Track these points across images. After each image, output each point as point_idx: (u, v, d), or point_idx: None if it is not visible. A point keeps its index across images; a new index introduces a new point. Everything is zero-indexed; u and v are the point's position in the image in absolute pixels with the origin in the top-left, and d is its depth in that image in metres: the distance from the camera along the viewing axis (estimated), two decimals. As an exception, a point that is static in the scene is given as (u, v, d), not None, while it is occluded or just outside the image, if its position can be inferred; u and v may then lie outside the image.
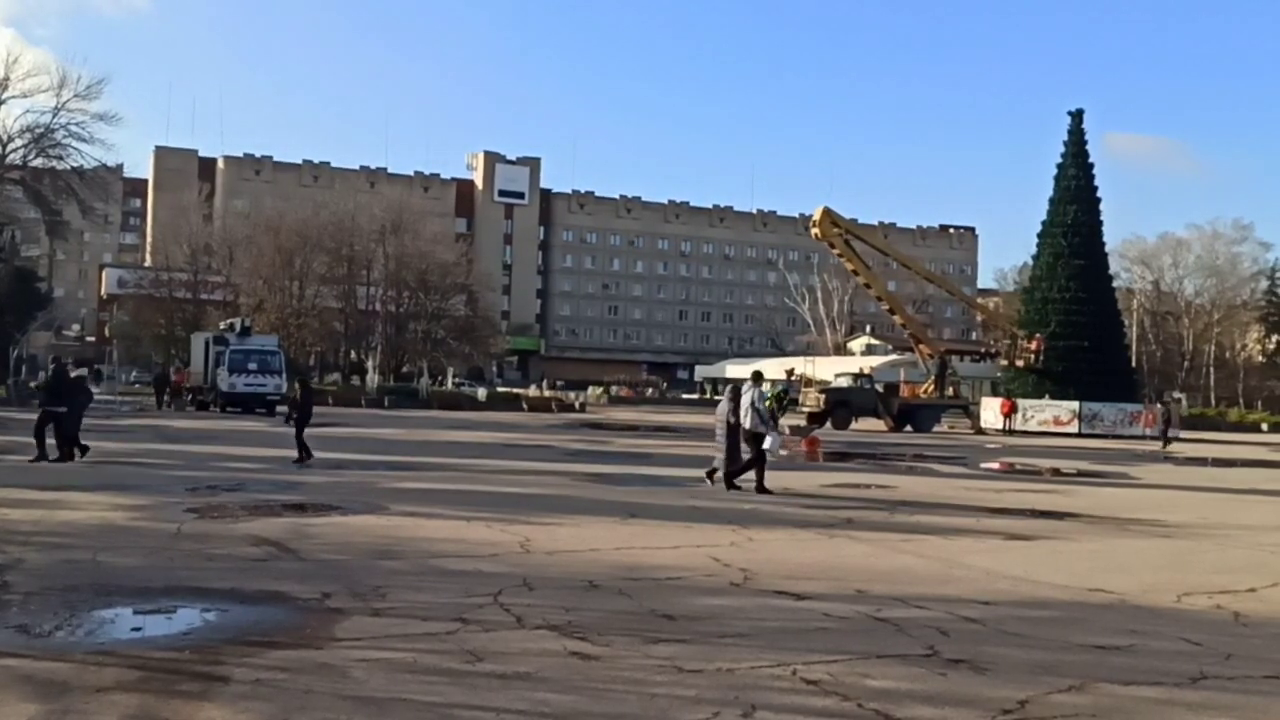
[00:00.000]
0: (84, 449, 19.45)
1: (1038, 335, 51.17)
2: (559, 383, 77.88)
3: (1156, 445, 36.65)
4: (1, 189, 51.24)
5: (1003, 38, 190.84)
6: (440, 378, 64.23)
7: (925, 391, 46.39)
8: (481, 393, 59.79)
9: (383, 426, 34.24)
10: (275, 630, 7.11)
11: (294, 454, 19.79)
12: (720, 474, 16.99)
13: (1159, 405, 41.32)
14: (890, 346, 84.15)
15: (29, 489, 14.42)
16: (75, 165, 50.16)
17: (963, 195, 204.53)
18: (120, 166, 67.55)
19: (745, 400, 16.83)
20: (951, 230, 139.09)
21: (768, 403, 17.29)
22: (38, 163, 49.70)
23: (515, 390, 67.42)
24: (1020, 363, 51.74)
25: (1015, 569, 10.32)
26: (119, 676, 5.89)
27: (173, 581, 8.64)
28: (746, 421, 16.68)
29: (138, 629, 7.22)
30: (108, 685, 5.72)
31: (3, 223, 54.65)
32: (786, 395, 29.99)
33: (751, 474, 16.65)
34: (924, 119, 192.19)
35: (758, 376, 17.35)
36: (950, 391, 46.68)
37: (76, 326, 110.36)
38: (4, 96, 48.17)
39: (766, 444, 16.68)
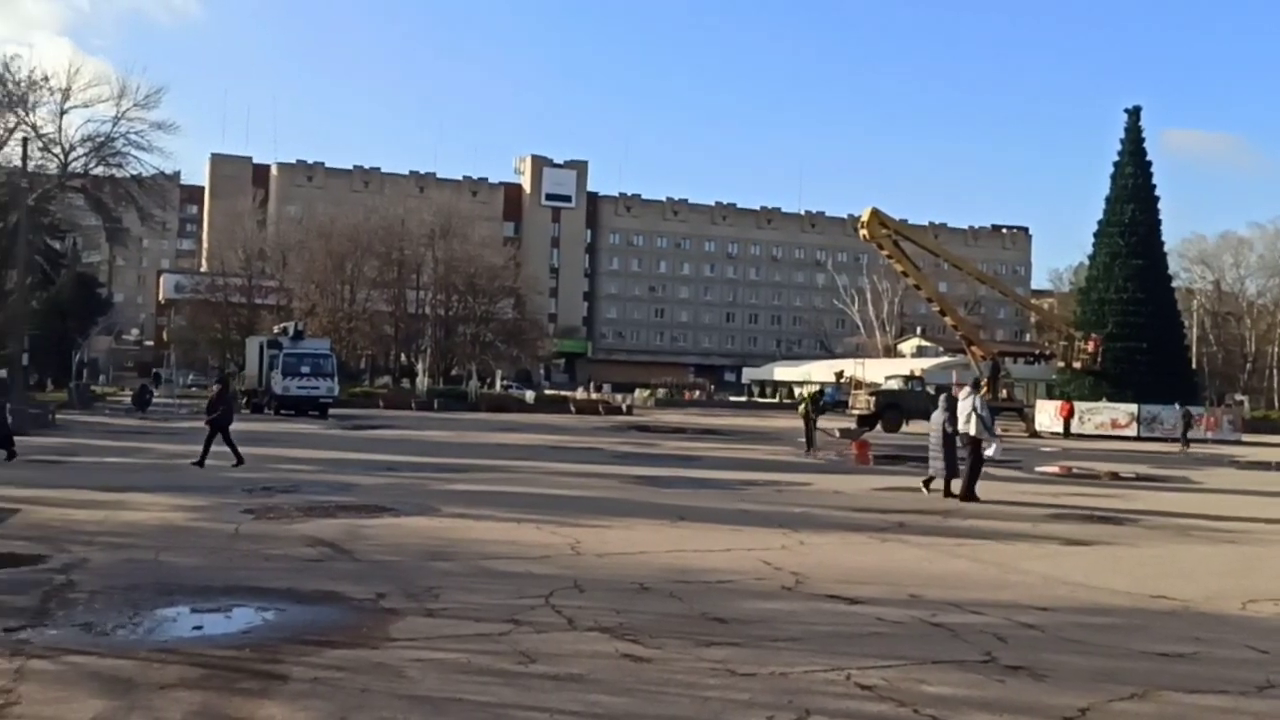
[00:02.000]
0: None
1: (1094, 336, 50.40)
2: (606, 385, 78.02)
3: (1216, 449, 36.13)
4: (64, 197, 52.28)
5: (1058, 35, 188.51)
6: (488, 380, 64.64)
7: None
8: (529, 395, 60.07)
9: (432, 429, 34.52)
10: (332, 630, 7.20)
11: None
12: (935, 483, 16.76)
13: (1182, 409, 40.66)
14: (941, 348, 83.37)
15: (93, 490, 14.73)
16: (135, 173, 50.96)
17: (1016, 195, 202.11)
18: (178, 174, 68.51)
19: (965, 407, 16.65)
20: (1004, 230, 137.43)
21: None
22: (98, 171, 50.58)
23: (562, 393, 67.67)
24: (1077, 365, 50.98)
25: (1074, 574, 10.17)
26: (182, 674, 6.00)
27: (232, 581, 8.78)
28: (971, 428, 16.47)
29: (199, 627, 7.34)
30: (171, 682, 5.83)
31: (65, 230, 55.82)
32: (822, 397, 29.81)
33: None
34: (976, 118, 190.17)
35: (976, 384, 17.45)
36: (1004, 394, 46.09)
37: (136, 331, 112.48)
38: (67, 107, 49.04)
39: (989, 451, 16.59)
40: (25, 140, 40.49)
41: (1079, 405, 47.33)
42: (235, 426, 30.79)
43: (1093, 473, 23.75)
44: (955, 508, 15.66)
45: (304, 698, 5.63)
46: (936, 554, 11.33)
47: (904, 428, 42.51)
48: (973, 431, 16.58)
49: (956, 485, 16.73)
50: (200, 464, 18.53)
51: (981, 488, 17.13)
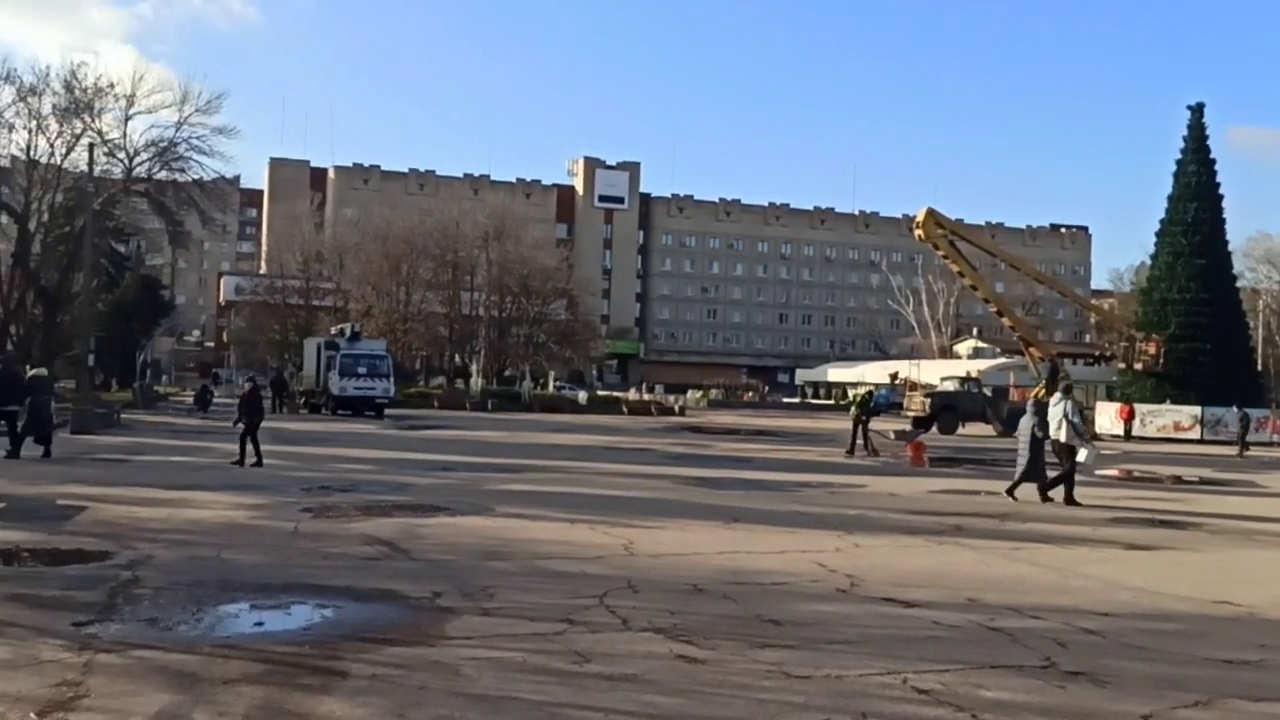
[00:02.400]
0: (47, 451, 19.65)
1: (1156, 337, 49.44)
2: (658, 386, 78.03)
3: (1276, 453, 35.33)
4: (129, 201, 53.43)
5: (1118, 31, 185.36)
6: (541, 381, 64.95)
7: (1036, 396, 45.22)
8: (582, 396, 60.23)
9: (486, 429, 34.77)
10: (389, 627, 7.29)
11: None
12: (1042, 490, 16.60)
13: (1239, 411, 39.70)
14: (998, 349, 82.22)
15: (157, 488, 15.04)
16: (196, 177, 52.00)
17: (1075, 194, 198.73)
18: (238, 178, 69.98)
19: (1057, 412, 16.50)
20: (1063, 230, 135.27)
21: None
22: (161, 175, 51.66)
23: (615, 394, 67.77)
24: (1138, 366, 50.03)
25: (1135, 579, 9.99)
26: (244, 669, 6.11)
27: (291, 579, 8.93)
28: (1062, 435, 16.32)
29: (260, 624, 7.48)
30: (234, 677, 5.94)
31: (130, 233, 57.10)
32: (872, 399, 29.50)
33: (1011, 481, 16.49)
34: (1035, 116, 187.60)
35: (1068, 389, 17.31)
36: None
37: (197, 332, 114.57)
38: (131, 113, 50.20)
39: (1081, 456, 16.47)
40: (91, 146, 41.36)
41: (1140, 408, 46.46)
42: (292, 426, 31.24)
43: (1154, 476, 23.33)
44: (1014, 510, 15.47)
45: (363, 694, 5.71)
46: (994, 557, 11.20)
47: (960, 430, 42.07)
48: (1064, 438, 16.35)
49: (1029, 490, 16.49)
50: (240, 463, 18.79)
51: (1036, 491, 16.93)
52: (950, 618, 8.01)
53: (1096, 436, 43.46)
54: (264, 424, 20.25)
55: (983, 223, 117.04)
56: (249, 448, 19.18)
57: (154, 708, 5.38)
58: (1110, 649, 7.22)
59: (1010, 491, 16.72)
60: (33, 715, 5.21)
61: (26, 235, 49.11)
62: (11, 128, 48.93)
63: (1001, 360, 71.91)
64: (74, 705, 5.39)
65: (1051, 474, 16.76)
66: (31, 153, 49.38)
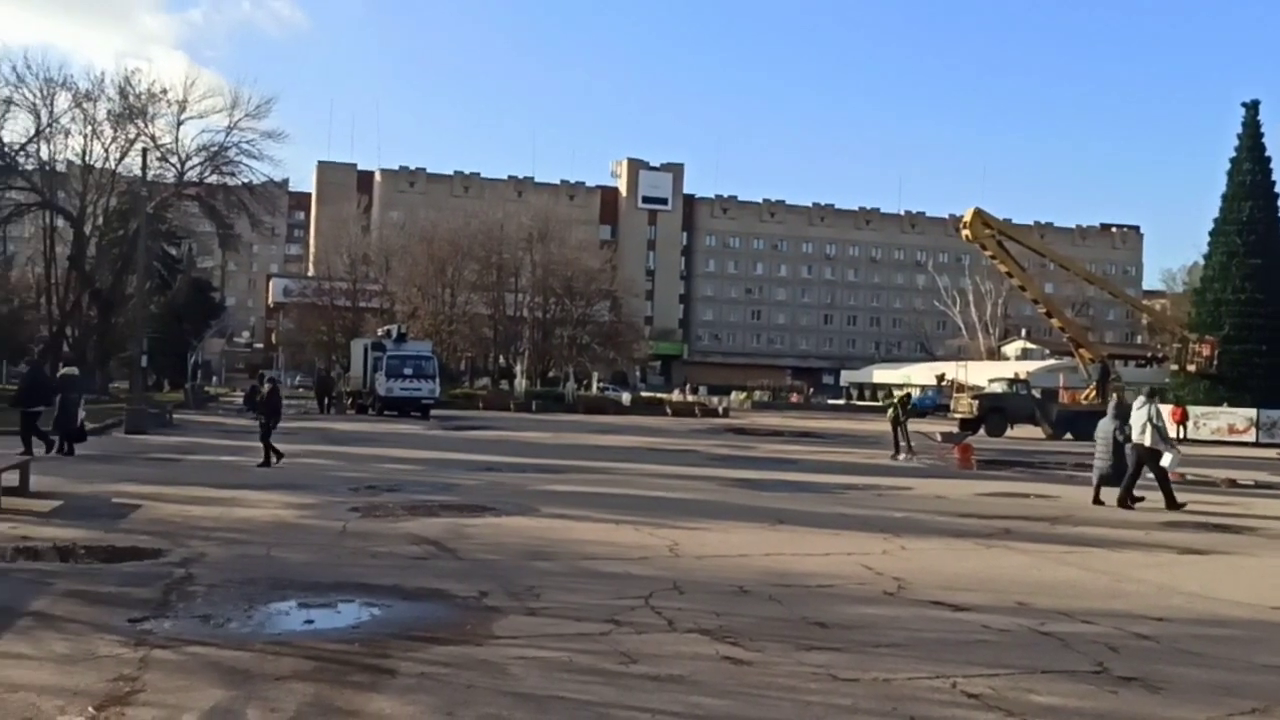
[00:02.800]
0: (66, 448, 19.81)
1: (1210, 338, 48.58)
2: (701, 388, 77.92)
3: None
4: (180, 205, 54.36)
5: (1171, 27, 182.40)
6: (585, 382, 65.13)
7: (1086, 398, 44.58)
8: (625, 397, 60.32)
9: (531, 430, 34.91)
10: (437, 626, 7.34)
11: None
12: (1124, 495, 16.34)
13: None
14: (1047, 351, 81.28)
15: (209, 487, 15.27)
16: (246, 181, 52.84)
17: (1126, 192, 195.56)
18: (286, 181, 70.84)
19: (1141, 415, 16.29)
20: (1114, 229, 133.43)
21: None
22: (212, 179, 52.56)
23: (659, 395, 67.80)
24: (1191, 368, 49.19)
25: (1190, 584, 9.83)
26: (295, 666, 6.19)
27: (340, 577, 9.02)
28: (1146, 438, 16.12)
29: (310, 621, 7.56)
30: (285, 674, 6.02)
31: (181, 236, 58.08)
32: (910, 401, 29.19)
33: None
34: (1084, 113, 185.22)
35: (1152, 393, 17.10)
36: (1114, 399, 44.73)
37: (246, 334, 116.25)
38: (183, 118, 51.14)
39: (1166, 461, 16.30)
40: (145, 151, 42.17)
41: (1193, 410, 45.65)
42: (340, 426, 31.55)
43: (1208, 479, 22.90)
44: (1064, 514, 15.27)
45: (411, 692, 5.76)
46: (1044, 561, 11.06)
47: (1008, 432, 41.60)
48: (1148, 442, 16.10)
49: (1111, 495, 16.27)
50: (266, 464, 18.93)
51: (1087, 494, 16.71)
52: (1000, 621, 7.93)
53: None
54: (311, 424, 20.48)
55: (1031, 222, 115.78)
56: (271, 446, 19.41)
57: (208, 703, 5.47)
58: (1164, 654, 7.11)
59: (1096, 498, 16.49)
60: (91, 709, 5.31)
61: (82, 239, 50.13)
62: (68, 133, 50.08)
63: (1051, 362, 71.08)
64: (130, 700, 5.49)
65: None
66: (87, 158, 50.49)
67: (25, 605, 7.61)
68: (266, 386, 21.72)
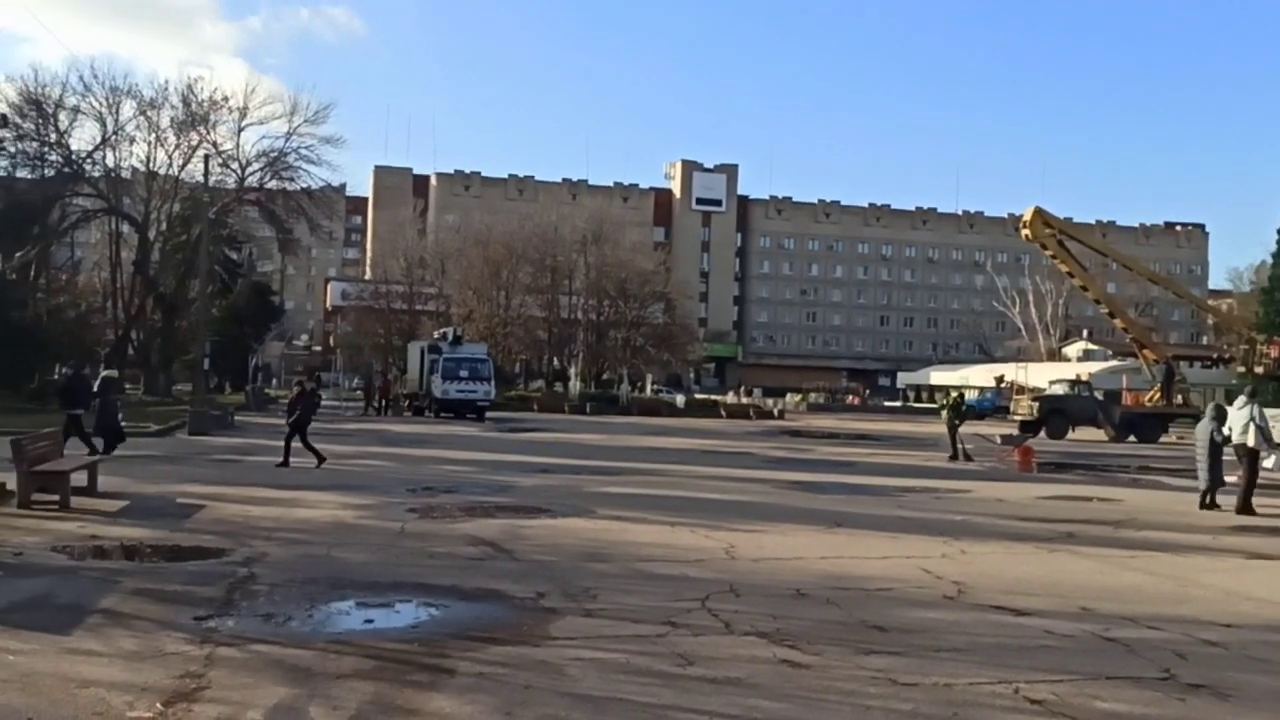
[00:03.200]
0: (105, 447, 19.87)
1: (1278, 339, 47.41)
2: (756, 389, 77.58)
3: None
4: (241, 210, 55.40)
5: (1234, 20, 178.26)
6: (639, 384, 65.14)
7: (1150, 399, 43.75)
8: (680, 399, 60.23)
9: (585, 432, 35.01)
10: (495, 627, 7.39)
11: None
12: (1213, 497, 16.15)
13: None
14: (1110, 352, 79.76)
15: (269, 487, 15.52)
16: (305, 186, 53.77)
17: (1191, 190, 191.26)
18: (344, 186, 72.04)
19: (1242, 416, 16.07)
20: (1178, 228, 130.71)
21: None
22: (272, 184, 53.53)
23: (713, 397, 67.61)
24: (1259, 369, 47.99)
25: (1259, 590, 9.61)
26: (356, 665, 6.27)
27: (399, 577, 9.12)
28: (1249, 438, 15.86)
29: (370, 621, 7.65)
30: (346, 673, 6.10)
31: (242, 241, 59.15)
32: (964, 403, 28.75)
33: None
34: (1146, 110, 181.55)
35: (1253, 393, 16.86)
36: (1179, 399, 43.79)
37: (305, 337, 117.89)
38: (244, 125, 52.15)
39: (1269, 463, 16.03)
40: (207, 157, 43.00)
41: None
42: (396, 428, 31.89)
43: (1277, 483, 22.35)
44: (1127, 518, 15.00)
45: (470, 692, 5.80)
46: (1108, 566, 10.87)
47: (1070, 434, 40.94)
48: (1250, 442, 15.79)
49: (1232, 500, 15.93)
50: (284, 464, 18.98)
51: (1156, 497, 16.40)
52: (1063, 627, 7.80)
53: None
54: (368, 426, 20.71)
55: (1093, 221, 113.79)
56: (290, 448, 19.46)
57: (271, 700, 5.55)
58: (1233, 661, 6.96)
59: (1206, 503, 16.12)
60: (159, 705, 5.42)
61: (146, 244, 51.26)
62: (133, 140, 51.29)
63: (1113, 363, 69.77)
64: (197, 696, 5.59)
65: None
66: (151, 164, 51.66)
67: (95, 603, 7.79)
68: (296, 388, 21.98)
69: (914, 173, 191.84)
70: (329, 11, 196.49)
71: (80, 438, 19.75)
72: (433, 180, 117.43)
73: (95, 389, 21.69)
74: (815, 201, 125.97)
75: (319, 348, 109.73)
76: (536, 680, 6.03)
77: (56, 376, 22.90)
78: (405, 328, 71.54)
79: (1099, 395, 44.16)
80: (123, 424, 21.35)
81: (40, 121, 47.34)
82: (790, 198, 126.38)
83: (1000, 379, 72.49)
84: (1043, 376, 59.96)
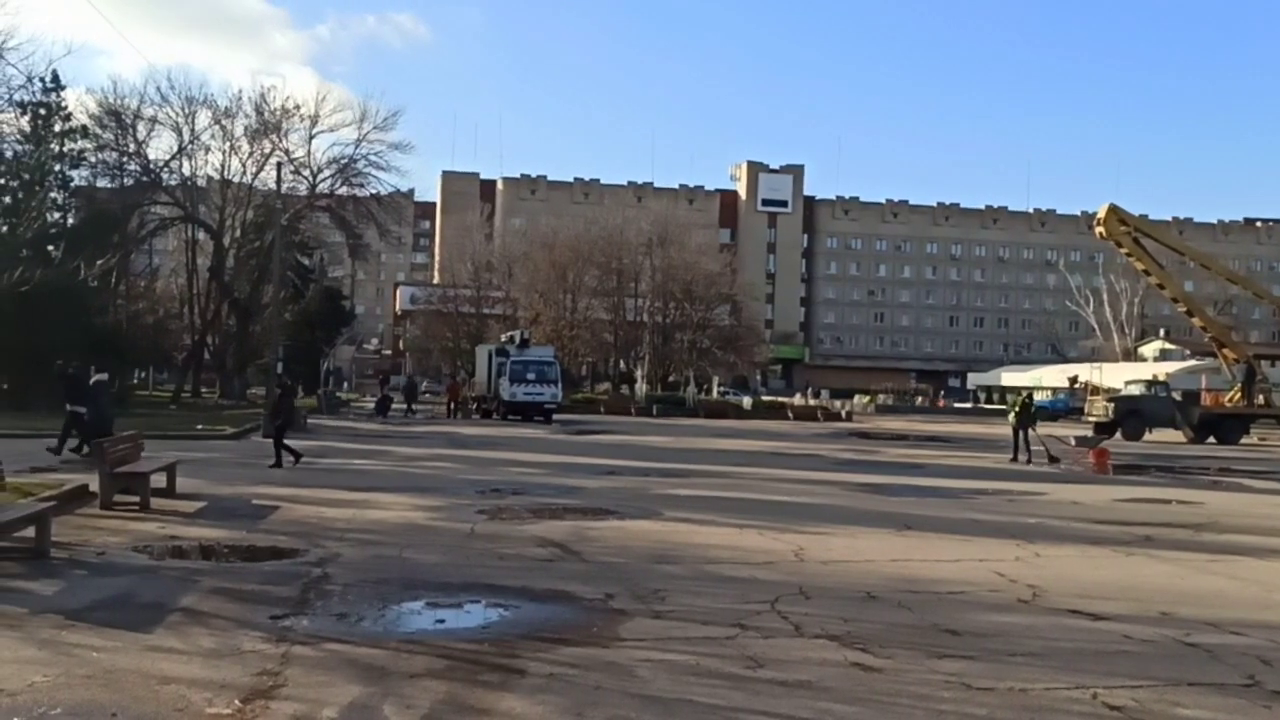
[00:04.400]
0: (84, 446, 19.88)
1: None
2: (823, 391, 77.02)
3: None
4: (312, 216, 56.40)
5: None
6: (706, 387, 65.01)
7: (1231, 400, 42.60)
8: (746, 401, 60.02)
9: (652, 434, 35.03)
10: (564, 628, 7.43)
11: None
12: None
13: None
14: (1187, 351, 77.75)
15: (342, 489, 15.76)
16: (374, 192, 54.64)
17: (1271, 185, 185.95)
18: (412, 191, 72.71)
19: None
20: (1259, 224, 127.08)
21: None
22: (342, 191, 54.44)
23: (780, 399, 67.26)
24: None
25: (1348, 596, 9.29)
26: (428, 664, 6.34)
27: (469, 578, 9.21)
28: None
29: (441, 621, 7.73)
30: (419, 672, 6.17)
31: (313, 247, 60.16)
32: (1032, 404, 28.09)
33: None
34: (1224, 102, 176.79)
35: None
36: (1260, 400, 42.60)
37: (375, 340, 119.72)
38: (315, 132, 53.11)
39: None
40: (279, 164, 43.85)
41: (1349, 413, 43.16)
42: (465, 430, 32.17)
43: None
44: (1208, 520, 14.61)
45: (541, 692, 5.84)
46: (1188, 570, 10.60)
47: (1146, 436, 40.02)
48: None
49: None
50: (278, 465, 19.01)
51: (1238, 500, 15.96)
52: (1142, 632, 7.63)
53: None
54: (437, 429, 20.89)
55: (1169, 218, 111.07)
56: (282, 448, 19.44)
57: (346, 699, 5.64)
58: (1323, 670, 6.73)
59: None
60: (237, 702, 5.53)
61: (221, 250, 52.44)
62: (208, 149, 52.50)
63: (1191, 362, 68.03)
64: (274, 694, 5.70)
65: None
66: (225, 172, 52.87)
67: (175, 602, 7.98)
68: (277, 390, 22.33)
69: (984, 171, 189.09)
70: (395, 18, 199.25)
71: (80, 433, 20.11)
72: (499, 184, 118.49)
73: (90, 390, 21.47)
74: (883, 201, 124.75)
75: (389, 351, 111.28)
76: (606, 681, 6.05)
77: (65, 369, 22.79)
78: (473, 331, 72.20)
79: (1176, 396, 43.15)
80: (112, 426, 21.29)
81: (119, 132, 48.64)
82: (857, 198, 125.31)
83: (1074, 380, 71.18)
84: (1118, 377, 58.79)
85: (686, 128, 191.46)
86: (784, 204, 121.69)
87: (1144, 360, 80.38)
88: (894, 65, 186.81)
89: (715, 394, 63.79)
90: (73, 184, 44.88)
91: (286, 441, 19.67)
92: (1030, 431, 26.40)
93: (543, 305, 73.23)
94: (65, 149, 42.98)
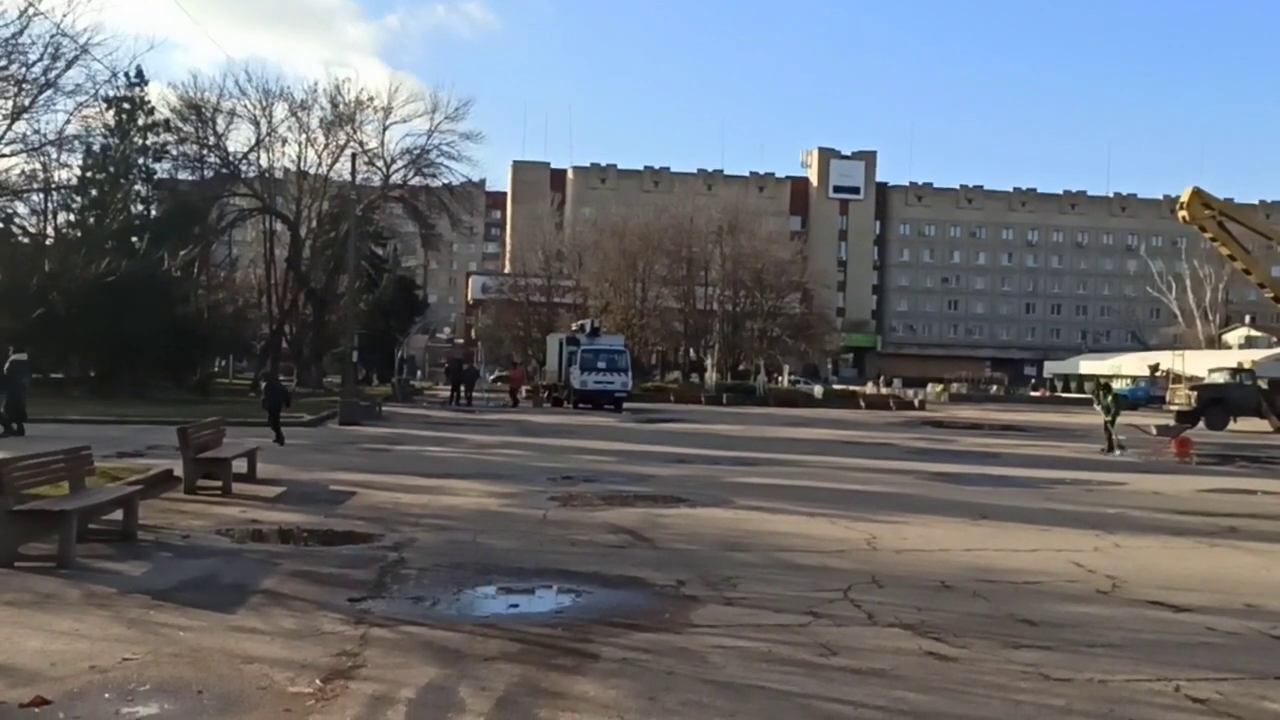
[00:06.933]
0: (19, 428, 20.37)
1: None
2: (896, 380, 76.17)
3: None
4: (386, 206, 57.19)
5: None
6: (776, 375, 64.69)
7: None
8: (817, 390, 59.61)
9: (722, 423, 34.97)
10: (637, 613, 7.47)
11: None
12: None
13: None
14: (1275, 339, 75.58)
15: (417, 476, 16.00)
16: (446, 182, 55.16)
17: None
18: (483, 181, 73.47)
19: None
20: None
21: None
22: (415, 181, 55.07)
23: (852, 388, 66.67)
24: None
25: None
26: (502, 648, 6.42)
27: (542, 564, 9.30)
28: None
29: (515, 605, 7.83)
30: (493, 655, 6.26)
31: (387, 237, 61.02)
32: (1110, 391, 27.27)
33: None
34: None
35: None
36: None
37: (447, 329, 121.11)
38: (388, 123, 53.79)
39: None
40: (354, 156, 44.49)
41: None
42: (536, 419, 32.41)
43: None
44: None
45: (614, 676, 5.88)
46: (1275, 562, 10.32)
47: (1230, 425, 38.92)
48: None
49: None
50: (279, 440, 20.60)
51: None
52: (1226, 624, 7.45)
53: None
54: (509, 416, 21.09)
55: (1255, 201, 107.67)
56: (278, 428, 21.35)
57: (423, 680, 5.74)
58: None
59: None
60: (318, 681, 5.66)
61: (298, 241, 53.42)
62: (285, 141, 53.47)
63: (1278, 349, 66.05)
64: (353, 674, 5.82)
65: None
66: (301, 164, 53.79)
67: (257, 583, 8.19)
68: (264, 383, 24.01)
69: (1061, 154, 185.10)
70: (464, 7, 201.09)
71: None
72: (569, 173, 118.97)
73: (5, 371, 21.56)
74: (957, 187, 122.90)
75: (461, 340, 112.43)
76: (678, 667, 6.07)
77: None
78: (544, 320, 72.72)
79: (1263, 384, 41.77)
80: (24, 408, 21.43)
81: (199, 125, 49.78)
82: (930, 184, 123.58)
83: (1155, 367, 69.48)
84: (1201, 365, 57.22)
85: (757, 114, 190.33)
86: (856, 190, 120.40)
87: (1228, 347, 78.13)
88: (967, 48, 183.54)
89: (785, 382, 63.46)
90: (156, 177, 46.09)
91: (278, 425, 21.49)
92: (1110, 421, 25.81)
93: (613, 294, 73.44)
94: (148, 142, 44.18)
